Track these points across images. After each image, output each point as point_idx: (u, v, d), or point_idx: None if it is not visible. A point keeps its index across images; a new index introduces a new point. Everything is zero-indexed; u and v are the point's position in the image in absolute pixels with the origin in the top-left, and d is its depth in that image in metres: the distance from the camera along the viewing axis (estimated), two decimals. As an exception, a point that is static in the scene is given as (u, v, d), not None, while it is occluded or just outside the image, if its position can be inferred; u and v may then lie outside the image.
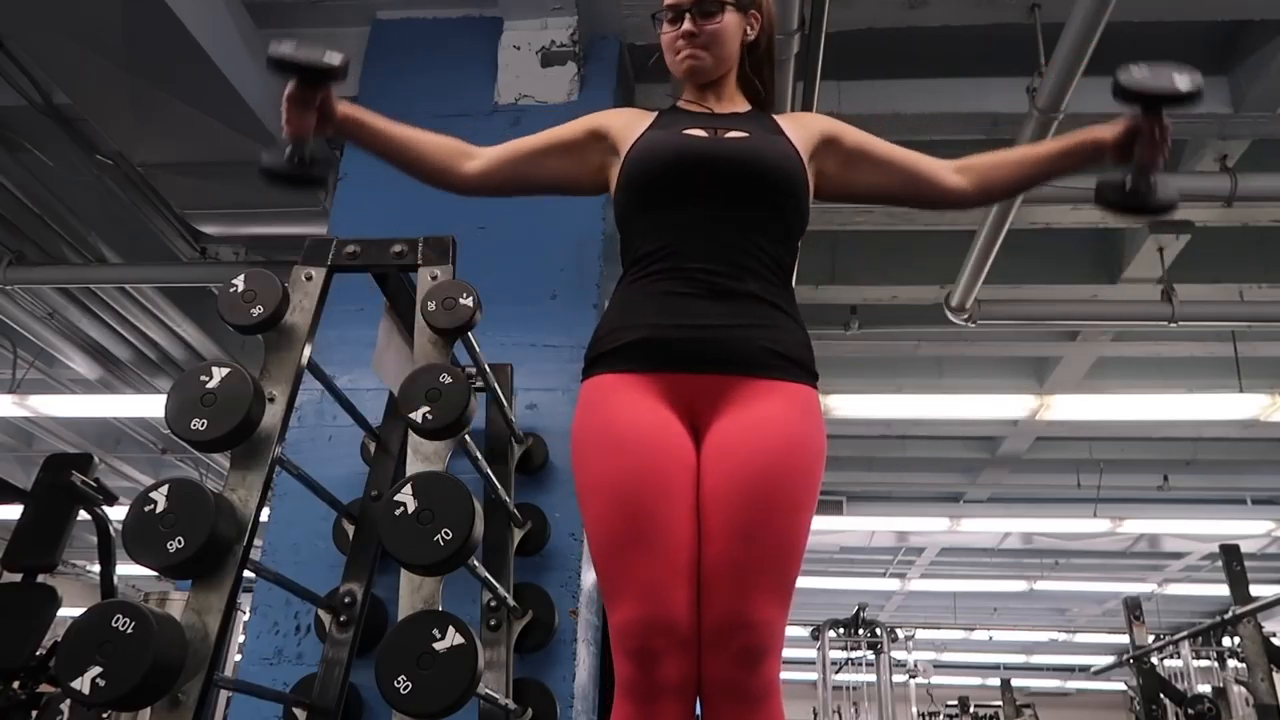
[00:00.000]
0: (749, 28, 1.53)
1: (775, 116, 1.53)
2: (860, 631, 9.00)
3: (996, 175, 1.47)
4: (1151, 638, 6.90)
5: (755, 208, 1.37)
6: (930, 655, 12.59)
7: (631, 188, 1.42)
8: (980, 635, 12.76)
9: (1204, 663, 8.21)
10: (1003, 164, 1.47)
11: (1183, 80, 1.20)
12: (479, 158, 1.52)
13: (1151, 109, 1.24)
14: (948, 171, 1.48)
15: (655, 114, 1.53)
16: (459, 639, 1.36)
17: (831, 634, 8.97)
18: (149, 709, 1.34)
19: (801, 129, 1.49)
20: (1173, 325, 4.39)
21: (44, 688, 2.76)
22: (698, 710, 1.21)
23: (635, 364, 1.31)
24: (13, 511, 2.94)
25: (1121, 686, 12.46)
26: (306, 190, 1.52)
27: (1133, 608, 6.71)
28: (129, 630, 1.25)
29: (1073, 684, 15.13)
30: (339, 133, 1.45)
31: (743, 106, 1.55)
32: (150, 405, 5.65)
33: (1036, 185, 1.48)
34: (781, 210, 1.39)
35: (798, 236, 1.45)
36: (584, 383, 1.37)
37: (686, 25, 1.47)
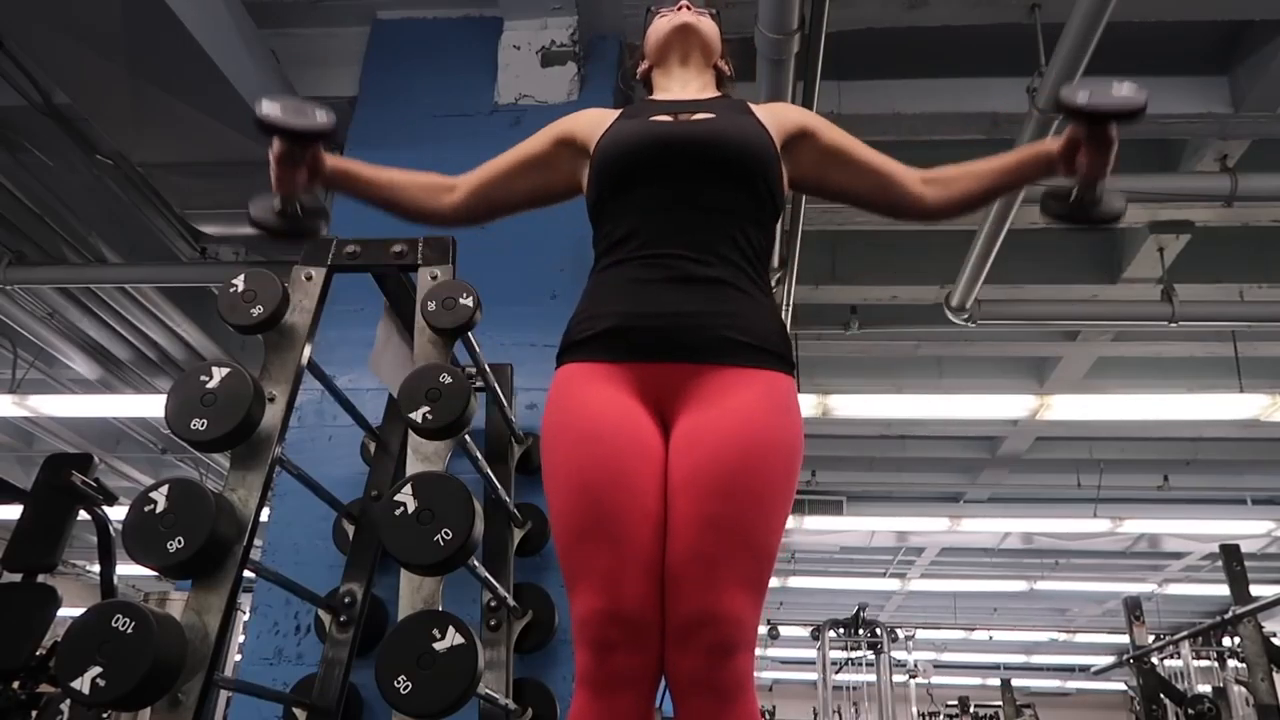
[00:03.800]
0: (722, 58, 1.64)
1: (749, 104, 1.53)
2: (860, 631, 9.01)
3: (959, 188, 1.47)
4: (1151, 638, 6.91)
5: (722, 188, 1.36)
6: (930, 655, 12.59)
7: (600, 177, 1.43)
8: (980, 635, 12.75)
9: (1204, 663, 8.21)
10: (964, 176, 1.47)
11: (1123, 97, 1.22)
12: (456, 190, 1.56)
13: (1096, 123, 1.26)
14: (916, 181, 1.48)
15: (620, 110, 1.54)
16: (459, 639, 1.36)
17: (831, 634, 8.97)
18: (149, 709, 1.34)
19: (775, 117, 1.50)
20: (1173, 325, 4.38)
21: (44, 688, 2.77)
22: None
23: (604, 354, 1.30)
24: (13, 511, 2.95)
25: (1121, 686, 12.48)
26: (298, 242, 1.52)
27: (1133, 608, 6.73)
28: (129, 630, 1.25)
29: (1073, 684, 15.12)
30: (328, 187, 1.48)
31: (712, 93, 1.58)
32: (150, 405, 5.65)
33: (997, 198, 1.51)
34: (750, 189, 1.38)
35: (770, 217, 1.43)
36: (556, 371, 1.36)
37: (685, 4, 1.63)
